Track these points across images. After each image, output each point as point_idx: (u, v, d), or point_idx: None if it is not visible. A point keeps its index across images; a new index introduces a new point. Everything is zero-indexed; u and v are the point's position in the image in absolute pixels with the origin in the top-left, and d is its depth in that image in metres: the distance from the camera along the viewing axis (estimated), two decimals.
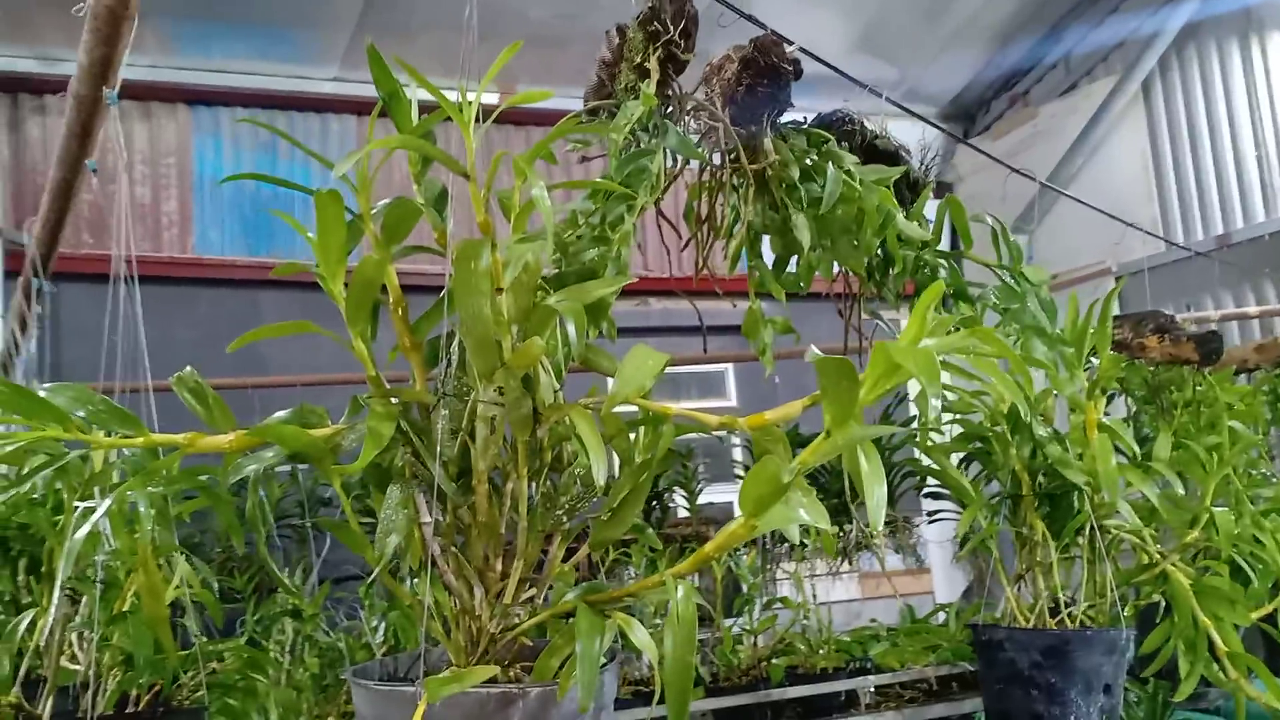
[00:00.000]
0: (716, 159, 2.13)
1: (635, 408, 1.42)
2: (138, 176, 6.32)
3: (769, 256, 2.38)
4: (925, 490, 2.84)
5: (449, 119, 1.41)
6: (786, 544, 4.08)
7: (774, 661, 3.65)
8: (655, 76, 1.86)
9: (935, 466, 2.39)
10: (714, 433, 1.45)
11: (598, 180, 1.72)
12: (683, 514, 4.44)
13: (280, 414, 1.43)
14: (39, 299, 3.27)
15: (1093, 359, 2.31)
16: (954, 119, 8.51)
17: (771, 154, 2.07)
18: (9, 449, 1.33)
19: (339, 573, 3.76)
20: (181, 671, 1.96)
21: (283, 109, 6.74)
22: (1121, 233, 4.77)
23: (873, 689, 3.76)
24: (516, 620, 1.44)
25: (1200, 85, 7.00)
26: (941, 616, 4.40)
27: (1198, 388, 2.81)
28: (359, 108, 6.77)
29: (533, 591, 1.48)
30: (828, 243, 2.15)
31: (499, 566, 1.44)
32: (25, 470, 1.57)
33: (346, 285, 1.40)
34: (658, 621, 2.72)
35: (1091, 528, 2.22)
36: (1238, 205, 6.77)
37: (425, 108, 1.47)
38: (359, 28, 6.40)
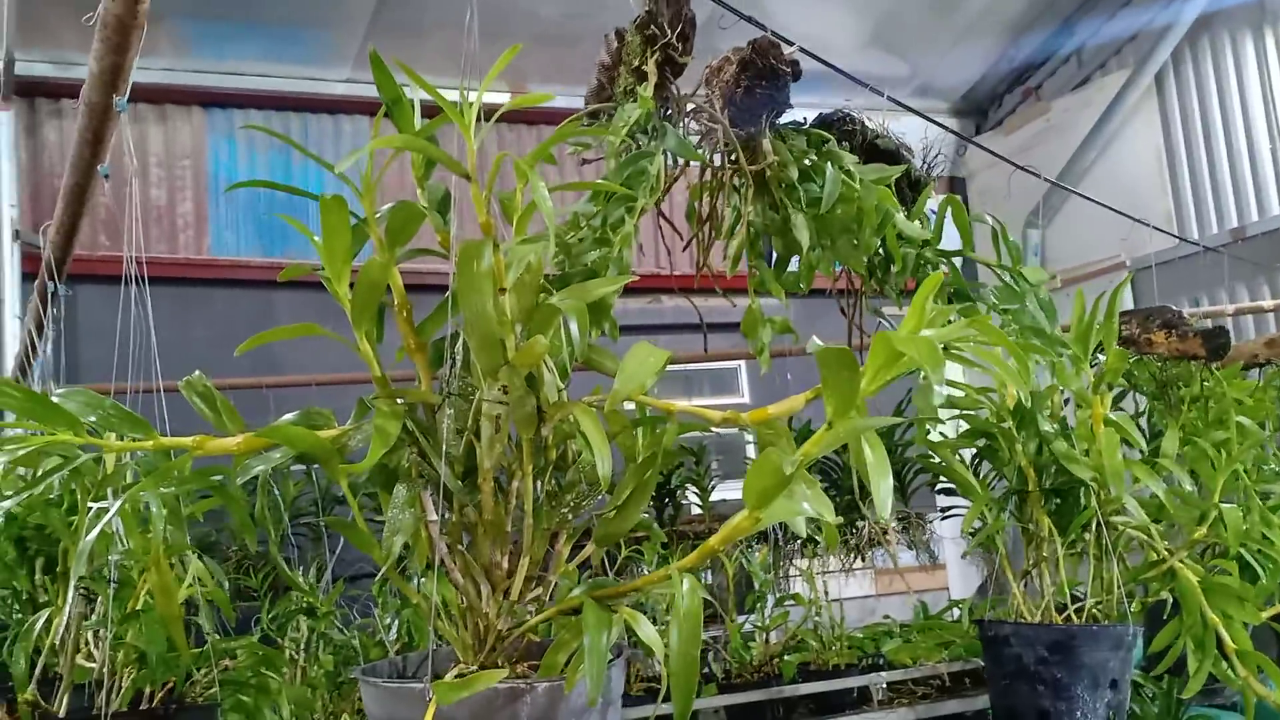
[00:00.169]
0: (717, 160, 2.14)
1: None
2: (153, 179, 6.35)
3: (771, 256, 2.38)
4: (939, 486, 2.83)
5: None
6: (798, 540, 4.07)
7: (786, 658, 3.65)
8: (653, 80, 1.88)
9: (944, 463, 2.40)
10: (722, 429, 1.46)
11: (599, 182, 1.74)
12: (695, 511, 4.44)
13: (287, 416, 1.45)
14: (54, 302, 3.30)
15: (1100, 354, 2.31)
16: (966, 113, 8.47)
17: (770, 155, 2.08)
18: (23, 452, 1.35)
19: (354, 570, 3.77)
20: (195, 669, 1.98)
21: (296, 110, 6.77)
22: (1130, 227, 4.75)
23: (885, 685, 3.75)
24: (524, 617, 1.45)
25: (1214, 78, 6.95)
26: (955, 613, 4.38)
27: (1205, 383, 2.80)
28: (372, 108, 6.75)
29: (539, 589, 1.49)
30: (828, 242, 2.16)
31: (505, 564, 1.46)
32: (40, 472, 1.59)
33: (352, 286, 1.42)
34: (669, 619, 2.72)
35: (1098, 524, 2.23)
36: (1252, 198, 6.72)
37: (433, 110, 1.47)
38: (371, 28, 6.41)
